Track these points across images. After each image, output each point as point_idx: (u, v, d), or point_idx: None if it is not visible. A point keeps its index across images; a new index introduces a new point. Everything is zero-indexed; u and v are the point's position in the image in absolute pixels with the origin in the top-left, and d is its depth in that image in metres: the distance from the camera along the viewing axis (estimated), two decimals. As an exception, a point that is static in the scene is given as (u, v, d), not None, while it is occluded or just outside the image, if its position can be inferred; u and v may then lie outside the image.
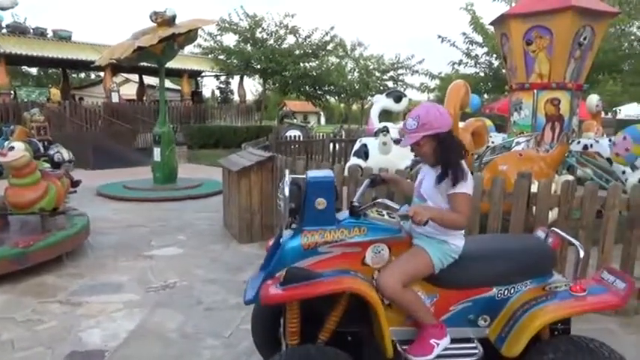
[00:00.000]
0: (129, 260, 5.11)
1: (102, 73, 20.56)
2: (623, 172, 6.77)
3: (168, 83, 27.21)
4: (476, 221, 3.95)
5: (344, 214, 2.33)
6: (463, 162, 2.28)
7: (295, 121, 22.03)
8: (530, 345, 2.14)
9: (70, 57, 18.63)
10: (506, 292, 2.28)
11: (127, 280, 4.53)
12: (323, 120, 25.91)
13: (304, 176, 2.34)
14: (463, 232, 2.32)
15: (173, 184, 9.40)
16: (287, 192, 2.18)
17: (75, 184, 6.04)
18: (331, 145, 12.21)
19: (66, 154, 6.04)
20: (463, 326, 2.29)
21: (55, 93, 18.52)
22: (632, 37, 14.66)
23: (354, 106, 34.13)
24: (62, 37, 19.87)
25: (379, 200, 2.30)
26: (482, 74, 16.22)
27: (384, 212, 2.30)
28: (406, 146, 2.32)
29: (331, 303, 2.22)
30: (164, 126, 9.37)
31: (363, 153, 7.50)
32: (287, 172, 2.37)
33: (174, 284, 4.43)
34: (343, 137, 13.46)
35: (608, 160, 7.13)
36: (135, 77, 23.79)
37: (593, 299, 2.18)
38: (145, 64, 14.11)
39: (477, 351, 2.23)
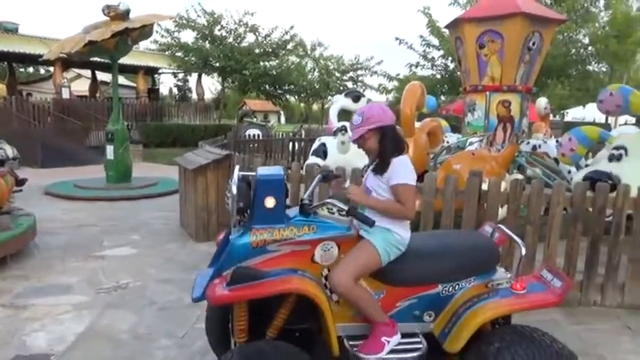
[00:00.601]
0: (78, 261, 4.92)
1: (52, 68, 19.69)
2: (569, 172, 7.11)
3: (123, 80, 26.39)
4: (429, 218, 4.05)
5: (294, 211, 2.33)
6: (406, 155, 2.36)
7: (255, 120, 21.89)
8: (472, 338, 2.20)
9: (16, 50, 17.73)
10: (450, 288, 2.35)
11: (76, 281, 4.36)
12: (283, 119, 25.82)
13: (254, 173, 2.33)
14: (408, 223, 2.38)
15: (127, 183, 9.12)
16: (235, 190, 2.16)
17: (20, 182, 5.74)
18: (290, 144, 12.20)
19: (10, 151, 5.75)
20: (409, 322, 2.33)
21: (1, 88, 17.60)
22: (579, 44, 15.41)
23: (315, 106, 34.19)
24: (8, 30, 18.88)
25: (329, 200, 2.32)
26: (438, 76, 16.63)
27: (335, 210, 2.32)
28: (353, 141, 2.40)
29: (279, 300, 2.22)
30: (118, 123, 9.08)
31: (322, 152, 7.54)
32: (237, 168, 2.35)
33: (126, 285, 4.30)
34: (303, 136, 13.48)
35: (555, 159, 7.47)
36: (88, 73, 22.93)
37: (531, 297, 2.28)
38: (97, 59, 13.67)
39: (421, 346, 2.28)
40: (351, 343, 2.27)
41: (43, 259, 4.94)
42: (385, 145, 2.33)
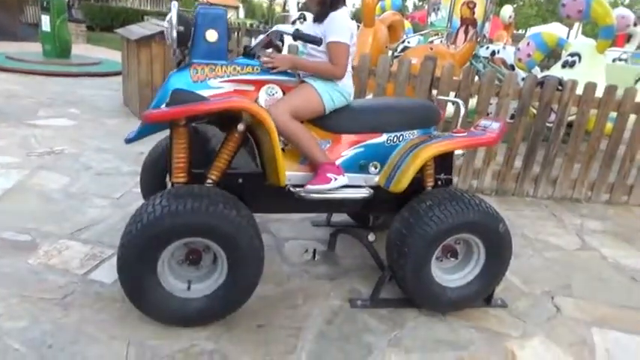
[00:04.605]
0: (9, 127, 4.61)
1: None
2: (522, 79, 7.15)
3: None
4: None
5: (238, 57, 2.20)
6: (345, 9, 2.25)
7: (212, 11, 20.40)
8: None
9: None
10: (395, 139, 2.35)
11: (4, 144, 4.09)
12: (242, 14, 24.22)
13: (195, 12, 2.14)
14: (351, 71, 2.34)
15: (67, 59, 8.47)
16: (175, 17, 1.98)
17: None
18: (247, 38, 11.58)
19: None
20: (355, 172, 2.32)
21: None
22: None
23: (278, 8, 32.37)
24: None
25: (274, 29, 2.20)
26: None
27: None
28: None
29: (223, 141, 2.15)
30: (54, -10, 8.20)
31: (279, 41, 7.18)
32: (175, 3, 2.13)
33: (61, 151, 4.09)
34: (261, 29, 12.79)
35: (512, 67, 7.48)
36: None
37: (471, 138, 2.35)
38: None
39: (367, 191, 2.30)
40: (297, 189, 2.23)
41: (-32, 123, 4.60)
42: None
